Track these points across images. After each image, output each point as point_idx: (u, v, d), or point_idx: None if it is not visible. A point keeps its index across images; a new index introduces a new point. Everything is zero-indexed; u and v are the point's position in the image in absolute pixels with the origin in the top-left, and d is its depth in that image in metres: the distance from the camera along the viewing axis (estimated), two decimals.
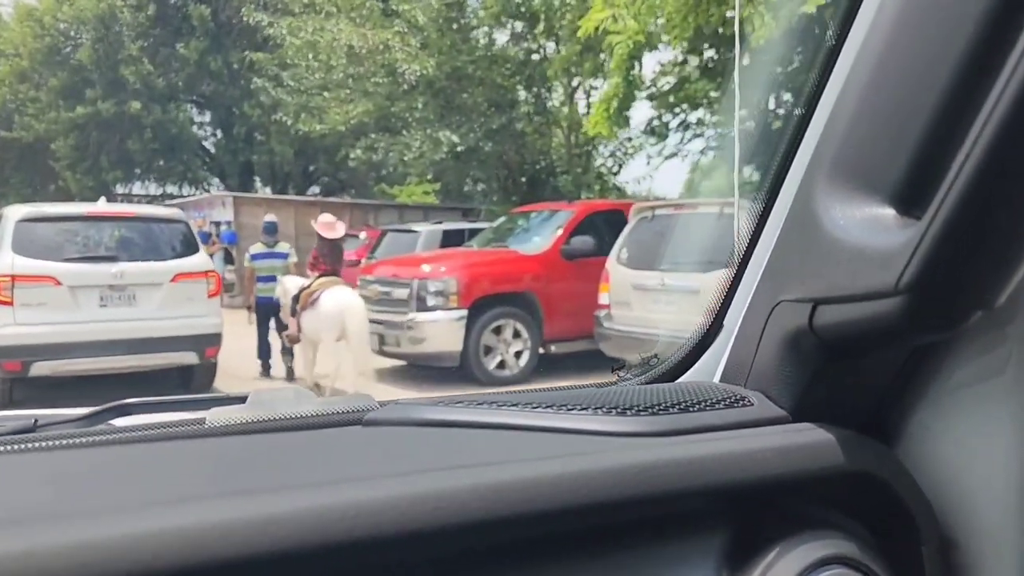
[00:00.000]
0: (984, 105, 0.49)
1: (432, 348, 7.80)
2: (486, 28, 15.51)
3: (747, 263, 0.87)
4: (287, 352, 8.40)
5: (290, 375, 8.41)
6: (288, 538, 0.52)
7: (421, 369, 8.38)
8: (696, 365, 0.94)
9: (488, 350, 7.98)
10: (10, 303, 6.50)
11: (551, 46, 15.46)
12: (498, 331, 8.03)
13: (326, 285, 7.27)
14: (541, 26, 14.55)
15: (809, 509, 0.72)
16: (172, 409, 0.96)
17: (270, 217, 9.22)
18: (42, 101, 24.00)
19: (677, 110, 12.46)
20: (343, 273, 7.87)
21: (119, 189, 25.44)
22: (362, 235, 14.52)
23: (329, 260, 7.67)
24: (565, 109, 16.12)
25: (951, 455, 0.73)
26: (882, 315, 0.59)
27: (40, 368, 6.56)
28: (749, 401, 0.78)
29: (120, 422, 0.91)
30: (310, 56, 15.46)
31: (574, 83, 15.71)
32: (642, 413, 0.74)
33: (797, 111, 0.81)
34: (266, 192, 25.28)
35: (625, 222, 7.73)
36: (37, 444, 0.74)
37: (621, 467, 0.64)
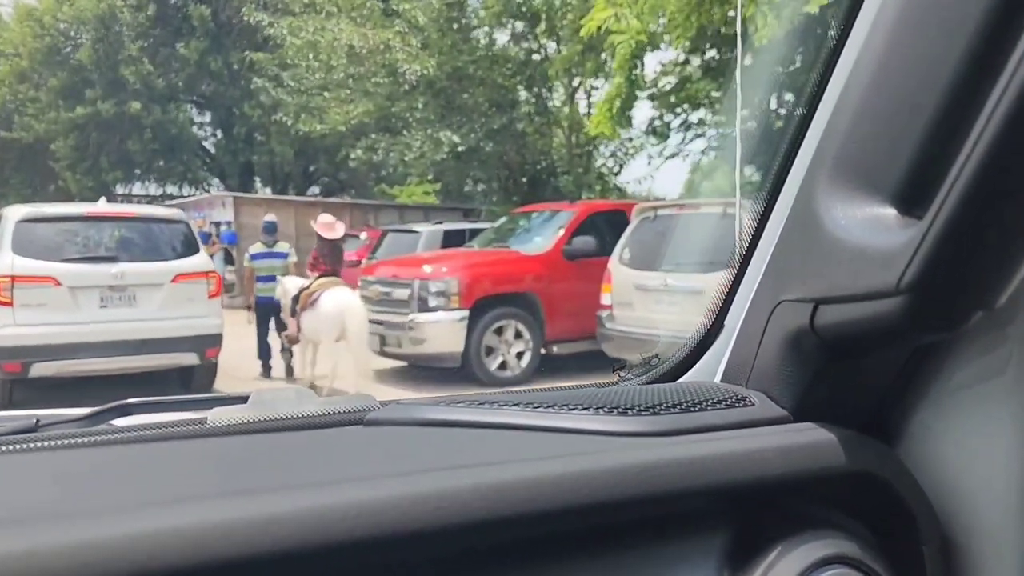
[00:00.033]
0: (985, 105, 0.48)
1: (433, 349, 7.78)
2: (487, 28, 15.49)
3: (748, 263, 0.87)
4: (286, 352, 8.38)
5: (290, 374, 8.39)
6: (290, 538, 0.52)
7: (422, 370, 8.35)
8: (697, 365, 0.94)
9: (490, 351, 7.96)
10: (10, 304, 6.48)
11: (552, 46, 15.44)
12: (500, 332, 8.01)
13: (326, 286, 7.26)
14: (542, 26, 14.53)
15: (810, 509, 0.72)
16: (173, 409, 0.96)
17: (270, 217, 9.20)
18: (42, 101, 23.98)
19: (679, 110, 12.44)
20: (343, 273, 7.86)
21: (119, 189, 25.42)
22: (363, 235, 14.49)
23: (329, 260, 7.67)
24: (566, 109, 16.10)
25: (952, 455, 0.73)
26: (883, 315, 0.59)
27: (40, 369, 6.53)
28: (750, 401, 0.78)
29: (121, 422, 0.91)
30: (310, 56, 15.44)
31: (575, 83, 15.69)
32: (643, 413, 0.74)
33: (799, 111, 0.81)
34: (266, 192, 25.26)
35: (626, 222, 7.71)
36: (38, 444, 0.74)
37: (622, 467, 0.64)
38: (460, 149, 14.49)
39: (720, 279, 0.92)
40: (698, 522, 0.69)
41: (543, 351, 8.28)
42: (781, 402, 0.77)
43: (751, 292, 0.84)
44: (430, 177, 17.49)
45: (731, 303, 0.90)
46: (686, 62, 11.32)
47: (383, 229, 13.98)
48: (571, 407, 0.76)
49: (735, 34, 7.23)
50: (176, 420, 0.83)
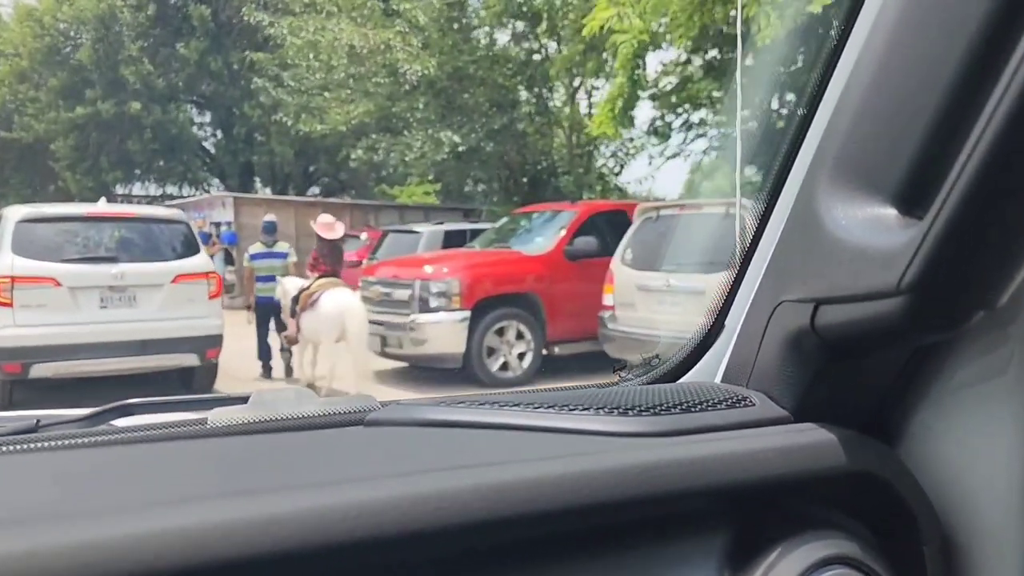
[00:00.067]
0: (986, 105, 0.48)
1: (434, 349, 7.75)
2: (487, 28, 15.47)
3: (749, 263, 0.87)
4: (286, 352, 8.36)
5: (289, 374, 8.38)
6: (290, 538, 0.52)
7: (423, 370, 8.33)
8: (698, 365, 0.94)
9: (491, 351, 7.93)
10: (10, 304, 6.45)
11: (553, 46, 15.43)
12: (501, 332, 7.98)
13: (326, 286, 7.25)
14: (543, 25, 14.50)
15: (811, 509, 0.72)
16: (174, 409, 0.96)
17: (269, 217, 9.17)
18: (42, 101, 23.96)
19: (680, 110, 12.42)
20: (344, 274, 7.84)
21: (119, 190, 25.40)
22: (363, 236, 14.48)
23: (329, 261, 7.66)
24: (567, 109, 16.08)
25: (953, 455, 0.73)
26: (884, 315, 0.59)
27: (40, 370, 6.51)
28: (751, 401, 0.78)
29: (122, 422, 0.91)
30: (311, 56, 15.42)
31: (576, 83, 15.67)
32: (644, 413, 0.74)
33: (799, 111, 0.81)
34: (266, 193, 25.24)
35: (628, 223, 7.69)
36: (39, 444, 0.74)
37: (623, 467, 0.64)
38: (461, 149, 14.47)
39: (722, 279, 0.92)
40: (699, 523, 0.69)
41: (545, 352, 8.25)
42: (782, 402, 0.77)
43: (752, 292, 0.83)
44: (430, 177, 17.48)
45: (732, 303, 0.89)
46: (688, 61, 11.30)
47: (384, 229, 13.96)
48: (571, 407, 0.76)
49: (737, 34, 7.20)
50: (176, 420, 0.83)
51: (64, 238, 6.96)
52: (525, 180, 16.38)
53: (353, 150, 16.34)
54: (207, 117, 27.56)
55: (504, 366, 7.99)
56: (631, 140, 15.14)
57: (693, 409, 0.76)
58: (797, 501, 0.71)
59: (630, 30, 8.08)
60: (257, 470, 0.67)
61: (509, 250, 8.81)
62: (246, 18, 18.68)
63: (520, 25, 15.28)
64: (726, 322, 0.90)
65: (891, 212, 0.58)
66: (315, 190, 27.26)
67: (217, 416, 0.81)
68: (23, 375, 6.49)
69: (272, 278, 8.37)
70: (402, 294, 7.96)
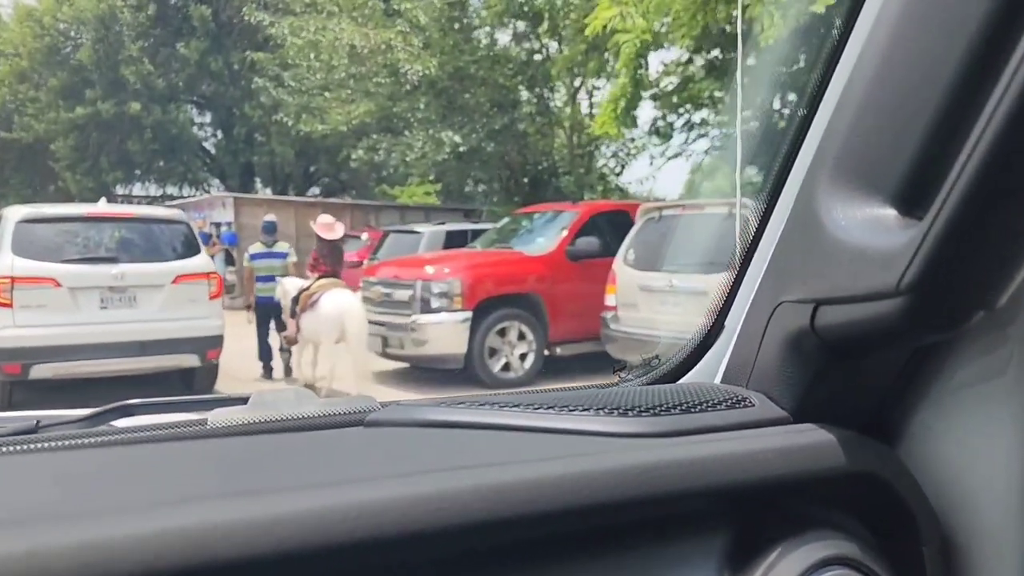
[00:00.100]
0: (985, 106, 0.48)
1: (436, 350, 7.73)
2: (488, 28, 15.45)
3: (749, 263, 0.87)
4: (285, 352, 8.34)
5: (287, 375, 8.36)
6: (290, 539, 0.52)
7: (424, 371, 8.30)
8: (698, 366, 0.94)
9: (493, 352, 7.90)
10: (9, 305, 6.42)
11: (554, 46, 15.41)
12: (503, 333, 7.95)
13: (326, 287, 7.24)
14: (545, 25, 14.48)
15: (811, 510, 0.72)
16: (174, 410, 0.97)
17: (269, 217, 9.14)
18: (42, 101, 23.95)
19: (681, 110, 12.39)
20: (344, 274, 7.81)
21: (119, 190, 25.39)
22: (364, 236, 14.46)
23: (329, 261, 7.65)
24: (568, 109, 16.06)
25: (953, 455, 0.73)
26: (884, 316, 0.59)
27: (40, 371, 6.48)
28: (750, 402, 0.78)
29: (122, 423, 0.92)
30: (312, 56, 15.40)
31: (577, 83, 15.65)
32: (643, 414, 0.74)
33: (799, 112, 0.81)
34: (266, 193, 25.22)
35: (630, 223, 7.66)
36: (39, 445, 0.74)
37: (623, 468, 0.64)
38: (462, 149, 14.45)
39: (723, 280, 0.92)
40: (698, 523, 0.69)
41: (546, 352, 8.22)
42: (781, 403, 0.77)
43: (752, 293, 0.83)
44: (431, 178, 17.46)
45: (732, 304, 0.89)
46: (690, 61, 11.27)
47: (385, 230, 13.94)
48: (571, 408, 0.76)
49: (748, 30, 7.16)
50: (177, 421, 0.83)
51: (64, 238, 6.93)
52: (526, 180, 16.36)
53: (354, 150, 16.32)
54: (207, 117, 27.56)
55: (506, 367, 7.96)
56: (632, 140, 15.13)
57: (693, 410, 0.76)
58: (797, 501, 0.71)
59: (633, 30, 8.05)
60: (257, 471, 0.67)
61: (511, 250, 8.77)
62: (247, 18, 18.66)
63: (521, 25, 15.26)
64: (726, 322, 0.90)
65: (891, 213, 0.58)
66: (315, 190, 27.25)
67: (217, 417, 0.80)
68: (23, 376, 6.46)
69: (272, 278, 8.34)
70: (403, 294, 7.93)
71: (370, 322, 8.01)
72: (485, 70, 14.77)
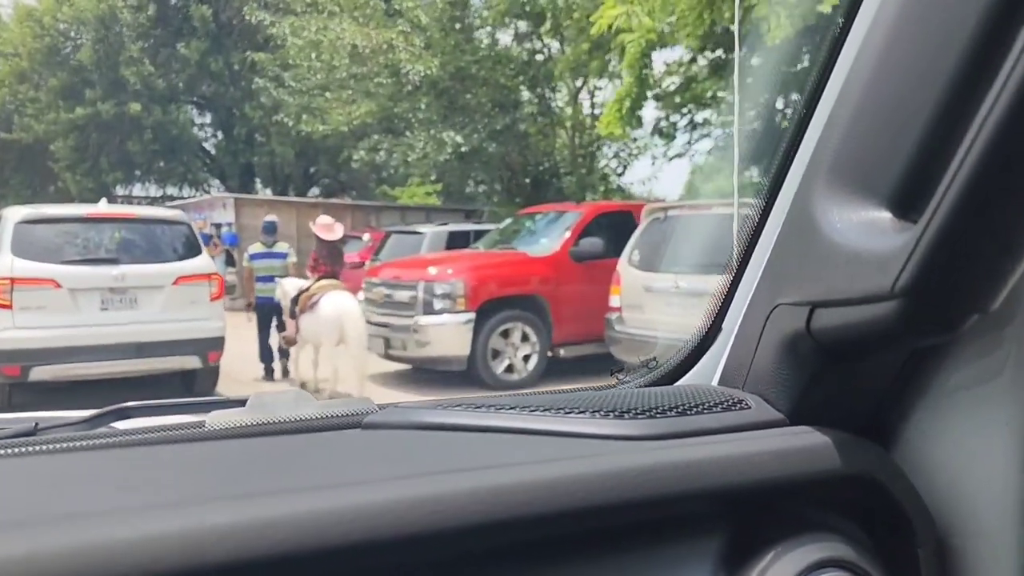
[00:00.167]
0: (980, 110, 0.49)
1: (439, 352, 7.68)
2: (490, 28, 15.42)
3: (746, 266, 0.87)
4: (284, 354, 8.31)
5: (285, 375, 8.34)
6: (287, 541, 0.52)
7: (427, 373, 8.25)
8: (695, 368, 0.95)
9: (496, 354, 7.85)
10: (9, 306, 6.37)
11: (555, 46, 15.37)
12: (506, 334, 7.90)
13: (325, 289, 7.23)
14: (547, 24, 14.44)
15: (806, 512, 0.72)
16: (172, 412, 0.97)
17: (270, 217, 9.09)
18: (41, 102, 23.92)
19: (684, 110, 12.34)
20: (346, 275, 7.77)
21: (119, 191, 25.37)
22: (365, 237, 14.41)
23: (328, 262, 7.64)
24: (569, 110, 16.03)
25: (948, 458, 0.73)
26: (879, 318, 0.59)
27: (40, 373, 6.42)
28: (747, 404, 0.78)
29: (120, 425, 0.92)
30: (313, 56, 15.37)
31: (579, 83, 15.61)
32: (640, 416, 0.74)
33: (796, 115, 0.81)
34: (267, 194, 25.18)
35: (634, 223, 7.61)
36: (37, 447, 0.74)
37: (619, 470, 0.64)
38: (463, 150, 14.42)
39: (720, 282, 0.93)
40: (694, 525, 0.69)
41: (550, 354, 8.17)
42: (777, 405, 0.77)
43: (748, 295, 0.84)
44: (432, 178, 17.43)
45: (728, 306, 0.89)
46: (693, 60, 11.22)
47: (386, 230, 13.89)
48: (568, 411, 0.76)
49: (745, 32, 7.12)
50: (174, 423, 0.83)
51: (64, 239, 6.87)
52: (527, 181, 16.33)
53: (355, 151, 16.29)
54: (208, 118, 27.54)
55: (509, 368, 7.91)
56: (634, 140, 15.10)
57: (689, 412, 0.76)
58: (792, 504, 0.71)
59: (638, 29, 8.00)
60: (255, 473, 0.66)
61: (514, 251, 8.71)
62: (247, 18, 18.64)
63: (523, 25, 15.23)
64: (723, 325, 0.90)
65: (886, 216, 0.58)
66: (315, 191, 27.22)
67: (215, 419, 0.80)
68: (23, 378, 6.41)
69: (272, 278, 8.31)
70: (406, 296, 7.88)
71: (373, 323, 7.98)
72: (486, 70, 14.74)
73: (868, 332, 0.63)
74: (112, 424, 0.92)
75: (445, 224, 13.32)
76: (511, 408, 0.79)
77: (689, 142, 13.65)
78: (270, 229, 8.72)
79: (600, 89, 15.90)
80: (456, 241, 11.45)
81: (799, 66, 7.99)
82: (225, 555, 0.50)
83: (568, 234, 8.42)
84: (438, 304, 7.67)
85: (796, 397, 0.75)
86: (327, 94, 15.70)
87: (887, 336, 0.63)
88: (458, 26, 14.78)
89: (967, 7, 0.51)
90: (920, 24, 0.56)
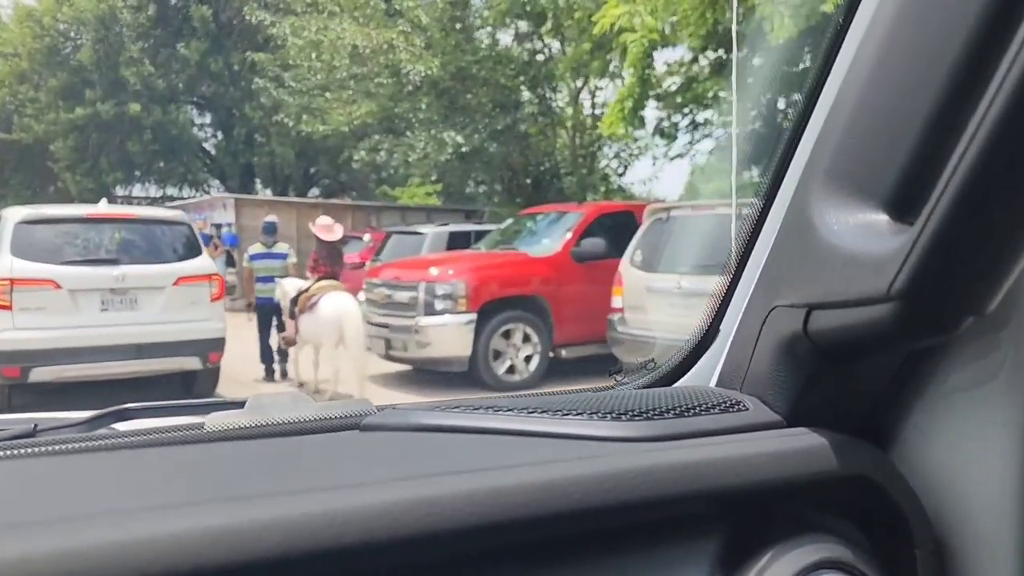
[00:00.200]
0: (975, 114, 0.49)
1: (440, 352, 7.65)
2: (490, 28, 15.39)
3: (744, 268, 0.87)
4: (283, 355, 8.30)
5: (284, 376, 8.32)
6: (283, 543, 0.52)
7: (429, 374, 8.23)
8: (693, 370, 0.95)
9: (497, 355, 7.82)
10: (9, 307, 6.34)
11: (556, 46, 15.35)
12: (507, 335, 7.87)
13: (325, 289, 7.23)
14: (548, 24, 14.41)
15: (804, 513, 0.72)
16: (171, 413, 0.97)
17: (270, 217, 9.08)
18: (41, 102, 23.91)
19: (686, 110, 12.32)
20: (347, 275, 7.76)
21: (119, 191, 25.34)
22: (366, 237, 14.39)
23: (328, 263, 7.65)
24: (570, 110, 16.01)
25: (945, 459, 0.73)
26: (875, 321, 0.60)
27: (39, 374, 6.40)
28: (744, 406, 0.78)
29: (120, 426, 0.92)
30: (313, 56, 15.34)
31: (579, 83, 15.59)
32: (638, 418, 0.74)
33: (793, 118, 0.81)
34: (266, 194, 25.15)
35: (636, 224, 7.58)
36: (37, 449, 0.74)
37: (616, 472, 0.64)
38: (464, 150, 14.39)
39: (718, 283, 0.93)
40: (691, 527, 0.69)
41: (551, 355, 8.15)
42: (775, 407, 0.78)
43: (746, 297, 0.84)
44: (433, 178, 17.41)
45: (726, 307, 0.90)
46: (694, 60, 11.20)
47: (387, 231, 13.86)
48: (565, 412, 0.77)
49: (748, 31, 7.09)
50: (173, 425, 0.82)
51: (64, 240, 6.84)
52: (528, 181, 16.31)
53: (355, 151, 16.26)
54: (208, 118, 27.52)
55: (511, 369, 7.88)
56: (635, 141, 15.08)
57: (687, 413, 0.76)
58: (790, 505, 0.72)
59: (640, 29, 7.97)
60: (253, 475, 0.66)
61: (515, 252, 8.68)
62: (247, 18, 18.62)
63: (524, 25, 15.21)
64: (721, 327, 0.91)
65: (882, 218, 0.58)
66: (315, 191, 27.20)
67: (213, 420, 0.80)
68: (22, 379, 6.38)
69: (272, 279, 8.31)
70: (407, 296, 7.86)
71: (374, 324, 7.96)
72: (487, 70, 14.72)
73: (865, 334, 0.64)
74: (112, 425, 0.92)
75: (446, 224, 13.29)
76: (509, 410, 0.79)
77: (691, 142, 13.64)
78: (270, 230, 8.71)
79: (601, 89, 15.89)
80: (457, 242, 11.42)
81: (801, 66, 7.97)
82: (223, 557, 0.51)
83: (569, 234, 8.39)
84: (439, 305, 7.65)
85: (793, 399, 0.76)
86: (327, 94, 15.68)
87: (884, 338, 0.63)
88: (459, 26, 14.75)
89: (963, 12, 0.51)
90: (916, 29, 0.56)
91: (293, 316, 7.47)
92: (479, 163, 15.64)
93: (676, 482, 0.66)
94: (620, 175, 16.93)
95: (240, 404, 0.87)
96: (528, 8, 14.23)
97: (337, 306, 6.98)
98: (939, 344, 0.72)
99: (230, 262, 13.73)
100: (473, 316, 7.64)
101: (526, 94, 15.82)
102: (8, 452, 0.72)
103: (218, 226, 16.99)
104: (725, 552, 0.69)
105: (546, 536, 0.62)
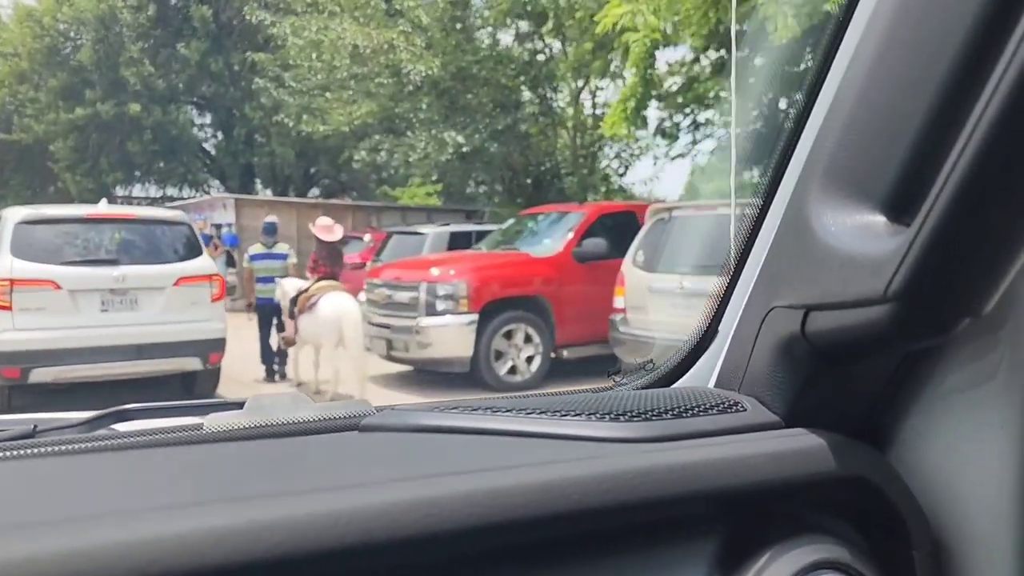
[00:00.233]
0: (971, 115, 0.49)
1: (441, 353, 7.63)
2: (491, 28, 15.38)
3: (742, 268, 0.87)
4: (282, 356, 8.29)
5: (283, 377, 8.30)
6: (283, 544, 0.52)
7: (430, 374, 8.21)
8: (691, 370, 0.95)
9: (499, 355, 7.80)
10: (8, 308, 6.32)
11: (557, 45, 15.33)
12: (509, 336, 7.85)
13: (324, 290, 7.23)
14: (549, 24, 14.39)
15: (801, 514, 0.72)
16: (171, 414, 0.97)
17: (270, 218, 9.08)
18: (41, 102, 23.88)
19: (687, 110, 12.30)
20: (348, 276, 7.74)
21: (119, 191, 25.33)
22: (367, 237, 14.37)
23: (327, 263, 7.65)
24: (570, 110, 15.99)
25: (943, 460, 0.74)
26: (872, 322, 0.60)
27: (39, 375, 6.37)
28: (743, 406, 0.79)
29: (120, 427, 0.92)
30: (313, 56, 15.33)
31: (580, 83, 15.58)
32: (636, 419, 0.75)
33: (791, 119, 0.81)
34: (266, 194, 25.14)
35: (638, 224, 7.56)
36: (36, 449, 0.74)
37: (615, 472, 0.64)
38: (464, 150, 14.38)
39: (717, 284, 0.93)
40: (690, 527, 0.69)
41: (553, 356, 8.12)
42: (773, 407, 0.78)
43: (745, 298, 0.84)
44: (433, 178, 17.39)
45: (725, 308, 0.90)
46: (696, 60, 11.18)
47: (388, 231, 13.84)
48: (564, 413, 0.77)
49: (751, 31, 7.07)
50: (172, 426, 0.82)
51: (64, 240, 6.82)
52: (528, 181, 16.30)
53: (356, 151, 16.25)
54: (208, 118, 27.51)
55: (512, 370, 7.86)
56: (636, 141, 15.06)
57: (685, 414, 0.76)
58: (788, 506, 0.72)
59: (643, 28, 7.95)
60: (252, 475, 0.66)
61: (516, 252, 8.66)
62: (248, 18, 18.60)
63: (524, 25, 15.19)
64: (719, 327, 0.91)
65: (880, 219, 0.59)
66: (316, 191, 27.18)
67: (213, 421, 0.80)
68: (22, 380, 6.36)
69: (272, 279, 8.31)
70: (408, 297, 7.84)
71: (375, 324, 7.94)
72: (488, 70, 14.70)
73: (862, 335, 0.64)
74: (112, 426, 0.92)
75: (447, 225, 13.27)
76: (507, 411, 0.79)
77: (693, 142, 13.62)
78: (270, 230, 8.70)
79: (602, 89, 15.87)
80: (458, 242, 11.40)
81: (803, 66, 7.94)
82: (223, 557, 0.51)
83: (571, 235, 8.37)
84: (440, 305, 7.63)
85: (791, 399, 0.76)
86: (328, 94, 15.66)
87: (881, 339, 0.64)
88: (459, 26, 14.73)
89: (959, 13, 0.51)
90: (913, 31, 0.57)
91: (292, 316, 7.47)
92: (480, 163, 15.63)
93: (674, 483, 0.66)
94: (621, 175, 16.93)
95: (239, 405, 0.87)
96: (529, 8, 14.21)
97: (336, 306, 6.98)
98: (936, 345, 0.73)
99: (230, 262, 13.71)
100: (475, 317, 7.62)
101: (527, 94, 15.80)
102: (8, 453, 0.73)
103: (218, 226, 16.97)
104: (723, 553, 0.69)
105: (545, 537, 0.62)
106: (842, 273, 0.61)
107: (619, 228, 8.19)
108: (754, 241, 0.85)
